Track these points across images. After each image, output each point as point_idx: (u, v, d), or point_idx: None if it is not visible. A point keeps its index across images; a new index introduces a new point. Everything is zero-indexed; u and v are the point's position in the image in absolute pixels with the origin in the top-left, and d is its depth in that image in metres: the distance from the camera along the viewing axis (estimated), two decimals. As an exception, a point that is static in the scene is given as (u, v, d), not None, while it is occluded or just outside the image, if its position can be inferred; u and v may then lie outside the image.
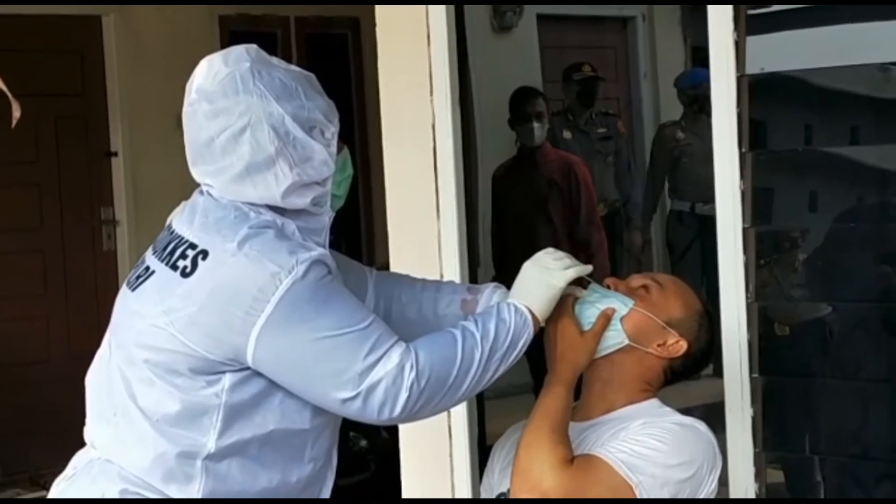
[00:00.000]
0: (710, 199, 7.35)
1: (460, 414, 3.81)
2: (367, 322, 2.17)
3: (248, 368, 2.18)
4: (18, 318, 6.59)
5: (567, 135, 7.17)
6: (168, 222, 2.33)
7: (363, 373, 2.13)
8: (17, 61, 5.97)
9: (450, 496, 3.86)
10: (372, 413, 2.15)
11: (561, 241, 6.19)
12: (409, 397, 2.14)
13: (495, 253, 6.47)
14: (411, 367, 2.14)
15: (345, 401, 2.15)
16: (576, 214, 6.42)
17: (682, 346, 2.37)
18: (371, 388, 2.13)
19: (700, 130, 7.46)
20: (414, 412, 2.17)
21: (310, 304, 2.14)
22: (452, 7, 3.84)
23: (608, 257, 6.52)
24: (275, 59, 2.28)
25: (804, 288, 3.28)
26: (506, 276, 2.41)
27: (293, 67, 2.29)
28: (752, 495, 3.22)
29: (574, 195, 6.43)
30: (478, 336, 2.21)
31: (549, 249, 2.37)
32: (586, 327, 2.34)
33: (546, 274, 2.30)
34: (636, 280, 2.43)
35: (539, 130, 6.42)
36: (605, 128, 7.36)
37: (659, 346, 2.36)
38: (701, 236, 7.32)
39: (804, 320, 3.27)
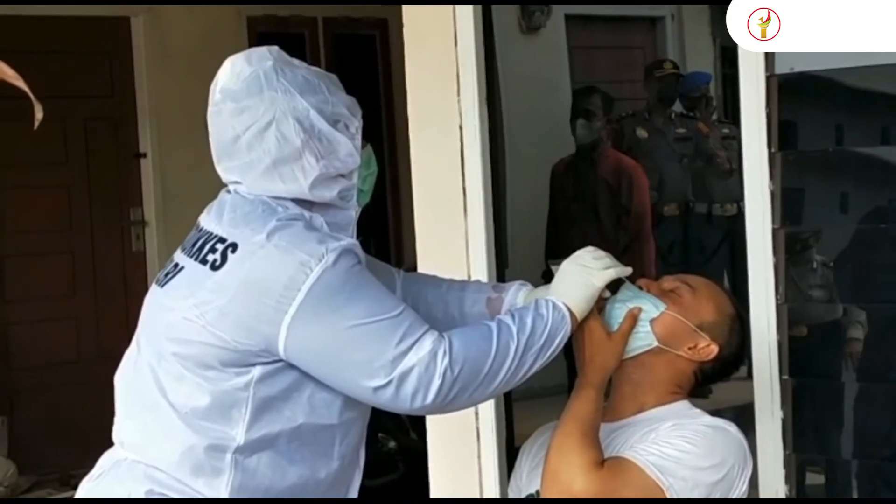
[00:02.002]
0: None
1: (488, 415, 3.80)
2: (398, 310, 2.17)
3: (279, 361, 2.18)
4: (48, 319, 6.62)
5: (642, 133, 7.07)
6: (197, 223, 2.34)
7: (395, 360, 2.12)
8: (46, 63, 6.01)
9: (478, 497, 3.85)
10: (405, 401, 2.14)
11: (607, 242, 6.18)
12: (441, 384, 2.13)
13: (548, 246, 6.48)
14: (444, 353, 2.14)
15: (377, 389, 2.14)
16: (627, 217, 6.39)
17: (713, 349, 2.36)
18: (403, 376, 2.12)
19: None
20: (447, 401, 2.16)
21: (340, 292, 2.14)
22: (480, 7, 3.84)
23: (654, 265, 6.45)
24: (296, 61, 2.30)
25: (833, 289, 3.26)
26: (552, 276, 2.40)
27: (314, 67, 2.32)
28: (781, 498, 3.20)
29: (625, 199, 6.40)
30: (514, 329, 2.20)
31: (590, 248, 2.36)
32: (615, 327, 2.33)
33: (585, 272, 2.30)
34: (668, 282, 2.42)
35: (582, 128, 6.40)
36: (685, 128, 7.27)
37: (689, 349, 2.35)
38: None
39: (833, 321, 3.25)
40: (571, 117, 6.49)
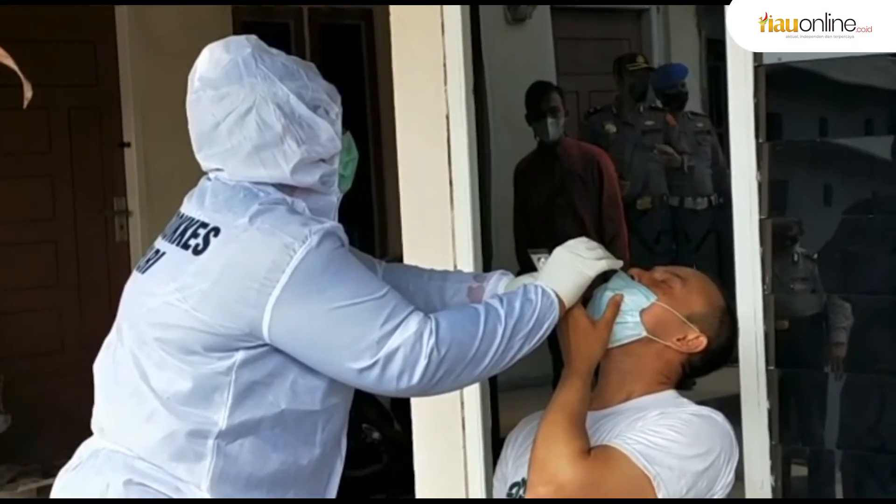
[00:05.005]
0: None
1: (473, 405, 3.80)
2: (382, 291, 2.17)
3: (262, 345, 2.17)
4: (31, 309, 6.59)
5: (610, 128, 7.09)
6: (178, 211, 2.34)
7: (381, 340, 2.12)
8: (30, 52, 5.92)
9: (463, 488, 3.85)
10: (390, 382, 2.14)
11: (588, 233, 6.18)
12: (427, 365, 2.13)
13: (518, 247, 6.45)
14: (430, 333, 2.14)
15: (362, 370, 2.14)
16: (599, 206, 6.39)
17: (702, 341, 2.36)
18: (389, 356, 2.12)
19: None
20: (433, 383, 2.16)
21: (324, 273, 2.14)
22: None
23: (627, 249, 6.45)
24: (274, 50, 2.32)
25: (816, 281, 3.26)
26: (529, 270, 2.40)
27: (292, 56, 2.33)
28: (767, 490, 3.21)
29: (598, 187, 6.40)
30: (502, 313, 2.20)
31: (583, 238, 2.37)
32: (598, 315, 2.33)
33: (578, 261, 2.30)
34: (659, 273, 2.42)
35: (553, 126, 6.38)
36: (653, 121, 7.26)
37: (678, 340, 2.35)
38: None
39: (818, 313, 3.25)
40: (535, 117, 6.44)
